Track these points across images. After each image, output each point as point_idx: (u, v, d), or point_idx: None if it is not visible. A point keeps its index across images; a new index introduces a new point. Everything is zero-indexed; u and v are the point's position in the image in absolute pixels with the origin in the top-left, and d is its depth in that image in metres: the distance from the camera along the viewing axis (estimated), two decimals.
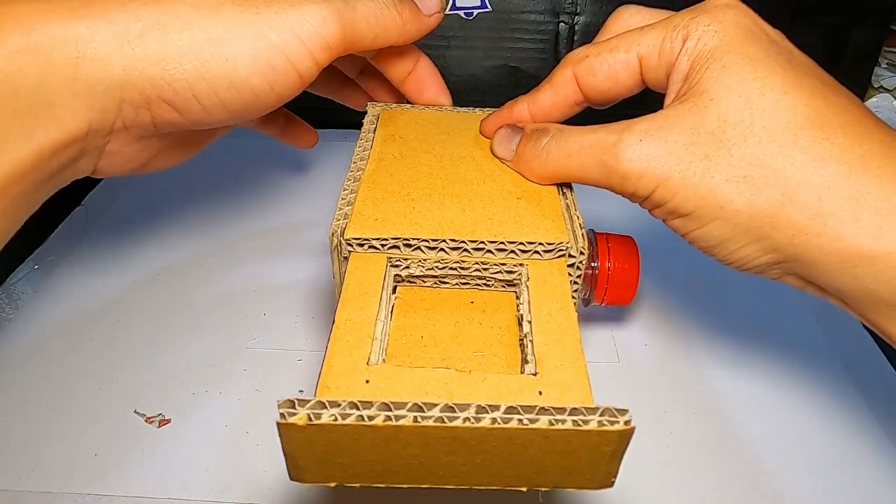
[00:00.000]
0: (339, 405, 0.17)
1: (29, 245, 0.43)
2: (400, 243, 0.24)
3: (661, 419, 0.32)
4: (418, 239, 0.24)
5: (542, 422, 0.17)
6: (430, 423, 0.17)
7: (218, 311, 0.38)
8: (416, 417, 0.17)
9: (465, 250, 0.24)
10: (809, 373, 0.35)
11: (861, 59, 0.55)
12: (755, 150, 0.21)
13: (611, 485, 0.19)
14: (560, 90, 0.27)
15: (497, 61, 0.55)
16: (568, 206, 0.26)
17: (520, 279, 0.24)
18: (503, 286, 0.25)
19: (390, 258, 0.24)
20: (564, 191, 0.27)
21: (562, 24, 0.54)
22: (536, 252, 0.24)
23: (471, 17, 0.54)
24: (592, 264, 0.30)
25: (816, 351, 0.36)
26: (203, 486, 0.29)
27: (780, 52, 0.23)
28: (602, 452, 0.18)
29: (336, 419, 0.17)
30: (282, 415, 0.17)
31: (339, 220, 0.25)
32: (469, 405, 0.17)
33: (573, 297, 0.24)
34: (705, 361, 0.36)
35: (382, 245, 0.24)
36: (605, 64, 0.25)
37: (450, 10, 0.53)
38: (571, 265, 0.24)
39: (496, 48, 0.55)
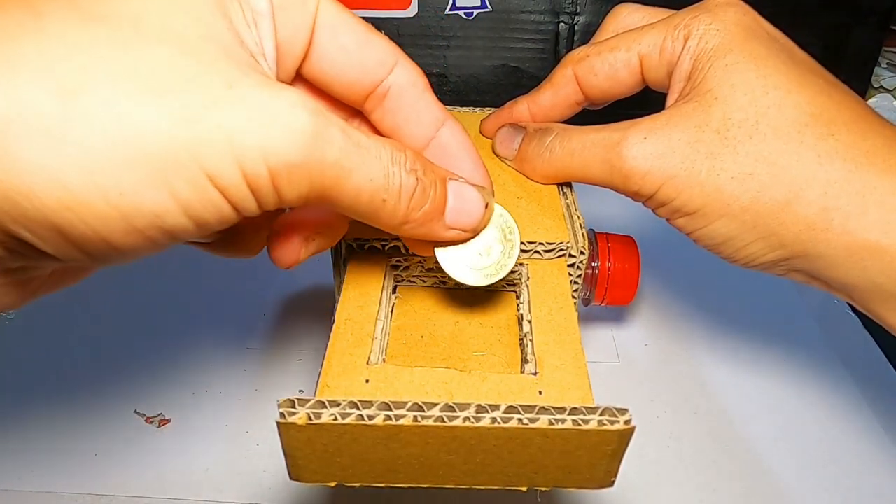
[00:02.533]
0: (339, 405, 0.17)
1: None
2: (400, 244, 0.24)
3: (661, 419, 0.32)
4: None
5: (542, 421, 0.17)
6: (430, 422, 0.17)
7: (218, 311, 0.38)
8: (416, 417, 0.17)
9: None
10: (809, 372, 0.35)
11: (861, 59, 0.55)
12: (761, 147, 0.21)
13: (611, 484, 0.19)
14: (560, 90, 0.27)
15: (497, 61, 0.55)
16: (568, 205, 0.26)
17: (520, 279, 0.24)
18: (503, 286, 0.25)
19: (390, 258, 0.24)
20: (565, 190, 0.27)
21: (562, 24, 0.54)
22: (537, 252, 0.24)
23: (471, 17, 0.53)
24: (592, 264, 0.30)
25: (816, 351, 0.36)
26: (203, 486, 0.29)
27: (781, 49, 0.23)
28: (602, 452, 0.18)
29: (336, 419, 0.17)
30: (282, 414, 0.17)
31: None
32: (469, 405, 0.17)
33: (573, 297, 0.24)
34: (705, 361, 0.36)
35: (383, 245, 0.24)
36: (606, 63, 0.25)
37: (450, 10, 0.53)
38: (571, 265, 0.24)
39: (496, 48, 0.55)
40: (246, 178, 0.15)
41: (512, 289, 0.25)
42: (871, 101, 0.58)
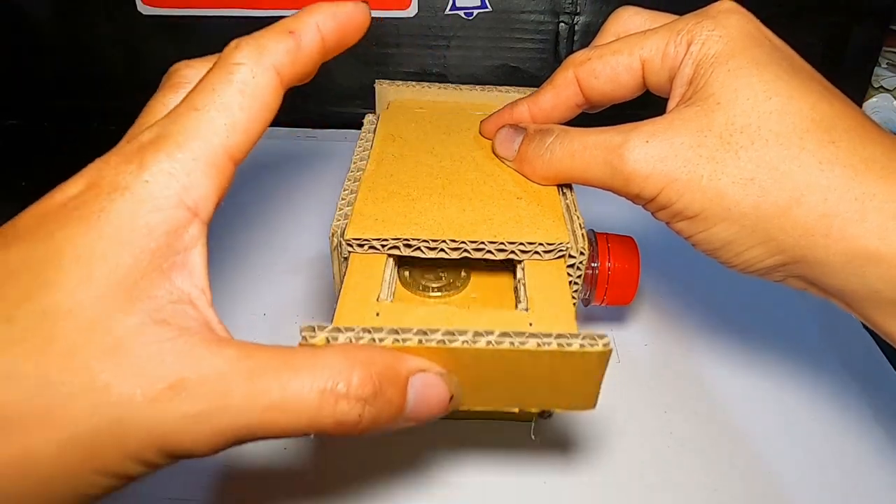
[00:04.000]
0: (354, 330, 0.19)
1: None
2: (400, 244, 0.24)
3: (661, 419, 0.32)
4: (418, 239, 0.24)
5: (531, 344, 0.19)
6: (433, 344, 0.19)
7: (218, 311, 0.38)
8: (420, 340, 0.19)
9: (465, 251, 0.24)
10: (809, 373, 0.35)
11: (861, 59, 0.55)
12: (762, 152, 0.22)
13: (593, 406, 0.22)
14: (561, 92, 0.27)
15: (497, 61, 0.55)
16: (568, 206, 0.26)
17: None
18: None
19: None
20: (564, 191, 0.27)
21: (562, 24, 0.54)
22: (536, 252, 0.24)
23: (471, 17, 0.54)
24: (592, 264, 0.30)
25: (816, 351, 0.36)
26: (203, 486, 0.29)
27: (783, 57, 0.23)
28: (584, 373, 0.20)
29: (350, 341, 0.19)
30: (304, 337, 0.19)
31: (339, 220, 0.25)
32: (467, 330, 0.19)
33: (573, 298, 0.24)
34: (705, 361, 0.36)
35: (382, 245, 0.24)
36: (608, 66, 0.25)
37: (450, 10, 0.53)
38: (571, 265, 0.24)
39: (496, 48, 0.55)
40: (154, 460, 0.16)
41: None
42: (871, 101, 0.58)
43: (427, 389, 0.19)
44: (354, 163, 0.28)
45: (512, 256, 0.24)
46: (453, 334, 0.19)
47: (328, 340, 0.19)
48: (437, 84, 0.34)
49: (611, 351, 0.19)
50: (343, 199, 0.26)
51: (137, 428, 0.16)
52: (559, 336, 0.19)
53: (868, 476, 0.30)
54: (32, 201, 0.18)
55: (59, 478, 0.16)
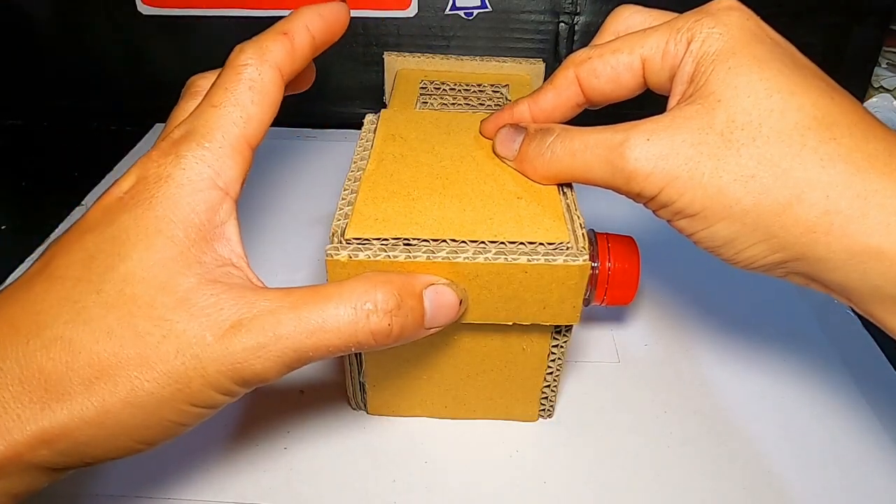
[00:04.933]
0: (372, 248, 0.23)
1: (29, 245, 0.43)
2: (400, 243, 0.24)
3: (661, 419, 0.32)
4: (418, 239, 0.24)
5: (522, 259, 0.23)
6: (440, 259, 0.23)
7: None
8: (428, 256, 0.23)
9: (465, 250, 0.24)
10: (809, 372, 0.35)
11: (861, 59, 0.55)
12: (763, 150, 0.21)
13: (577, 319, 0.25)
14: (562, 91, 0.27)
15: None
16: (568, 205, 0.26)
17: None
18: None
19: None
20: (565, 191, 0.27)
21: (562, 24, 0.54)
22: (536, 252, 0.24)
23: (471, 17, 0.54)
24: (592, 264, 0.30)
25: (817, 350, 0.36)
26: (203, 486, 0.29)
27: (784, 53, 0.23)
28: (568, 286, 0.24)
29: (369, 257, 0.23)
30: (329, 254, 0.23)
31: (339, 219, 0.25)
32: (468, 249, 0.23)
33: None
34: (706, 361, 0.36)
35: (383, 245, 0.24)
36: (608, 66, 0.25)
37: (450, 10, 0.53)
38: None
39: (496, 48, 0.55)
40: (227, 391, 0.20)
41: None
42: (871, 101, 0.58)
43: (439, 297, 0.23)
44: (354, 162, 0.28)
45: (512, 258, 0.24)
46: (456, 252, 0.23)
47: (351, 256, 0.23)
48: (439, 55, 0.39)
49: (589, 266, 0.24)
50: (343, 198, 0.26)
51: (212, 362, 0.19)
52: (546, 252, 0.23)
53: (868, 476, 0.30)
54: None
55: (157, 411, 0.19)
